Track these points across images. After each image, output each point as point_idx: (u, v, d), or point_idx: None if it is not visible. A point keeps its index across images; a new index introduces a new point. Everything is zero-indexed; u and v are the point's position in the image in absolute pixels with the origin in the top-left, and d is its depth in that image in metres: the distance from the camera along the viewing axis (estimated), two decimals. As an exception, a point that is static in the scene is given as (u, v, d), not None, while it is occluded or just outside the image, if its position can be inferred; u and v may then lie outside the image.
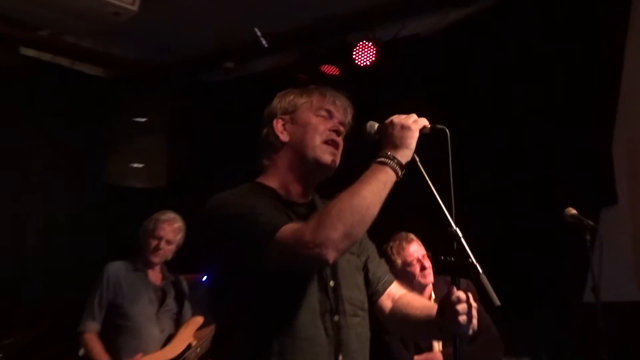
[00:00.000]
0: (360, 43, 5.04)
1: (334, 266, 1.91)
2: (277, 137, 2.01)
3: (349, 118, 2.07)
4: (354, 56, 5.04)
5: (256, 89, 5.96)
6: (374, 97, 4.80)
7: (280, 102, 2.08)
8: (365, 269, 2.09)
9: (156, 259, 4.10)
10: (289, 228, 1.72)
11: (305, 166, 1.98)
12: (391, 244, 3.55)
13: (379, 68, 5.01)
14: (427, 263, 3.47)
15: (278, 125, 2.03)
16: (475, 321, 1.76)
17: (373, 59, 5.02)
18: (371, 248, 2.15)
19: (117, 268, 4.06)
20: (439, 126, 1.86)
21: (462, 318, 1.74)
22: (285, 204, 1.95)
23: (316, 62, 5.28)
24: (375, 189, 1.73)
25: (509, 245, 4.26)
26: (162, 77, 5.99)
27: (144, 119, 5.89)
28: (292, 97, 2.07)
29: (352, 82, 4.90)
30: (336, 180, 2.01)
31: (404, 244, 3.51)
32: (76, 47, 5.57)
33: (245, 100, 5.98)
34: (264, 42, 5.16)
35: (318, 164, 1.97)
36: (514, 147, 4.39)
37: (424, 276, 3.50)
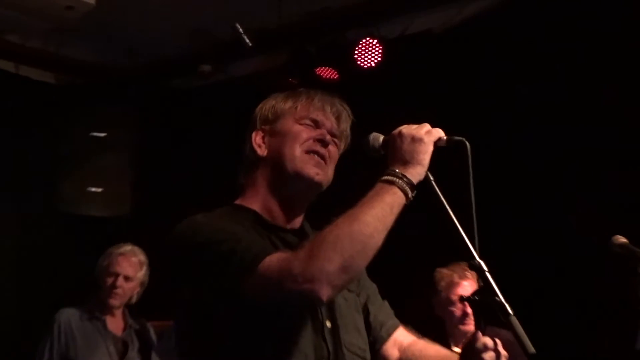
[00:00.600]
0: (363, 41, 5.06)
1: (331, 304, 1.89)
2: (254, 151, 2.03)
3: (344, 127, 2.07)
4: (355, 56, 5.06)
5: (238, 97, 6.00)
6: (379, 104, 4.83)
7: (262, 110, 2.09)
8: (366, 311, 2.07)
9: (114, 302, 4.10)
10: (275, 258, 1.70)
11: (286, 182, 1.97)
12: (444, 271, 3.54)
13: (385, 70, 5.02)
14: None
15: (257, 137, 2.04)
16: None
17: (378, 59, 5.04)
18: (371, 287, 2.14)
19: (70, 316, 4.06)
20: (457, 138, 1.85)
21: None
22: (270, 229, 1.94)
23: (310, 63, 5.30)
24: (380, 213, 1.71)
25: (543, 281, 4.25)
26: (125, 84, 6.01)
27: (103, 134, 5.90)
28: (274, 103, 2.08)
29: (354, 86, 4.90)
30: (332, 205, 1.97)
31: (456, 278, 3.50)
32: (22, 48, 5.57)
33: (225, 110, 6.00)
34: (247, 40, 5.16)
35: (299, 177, 1.96)
36: (544, 160, 4.38)
37: (465, 324, 3.49)
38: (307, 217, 2.07)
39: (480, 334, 1.74)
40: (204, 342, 1.81)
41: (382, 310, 2.12)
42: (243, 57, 5.69)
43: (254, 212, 1.96)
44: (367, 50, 5.06)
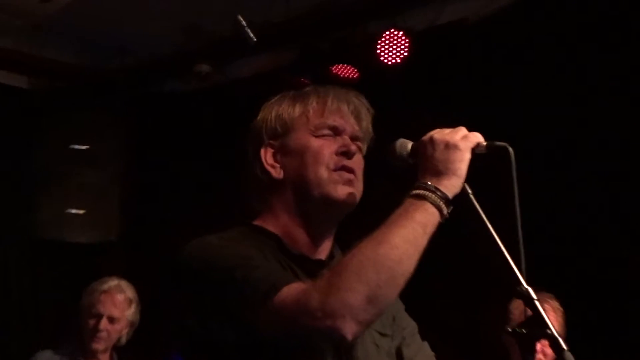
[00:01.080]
0: (387, 33, 5.04)
1: (356, 350, 1.87)
2: (267, 173, 2.01)
3: (365, 125, 2.04)
4: (378, 51, 5.05)
5: (241, 102, 6.01)
6: (406, 105, 4.81)
7: (267, 119, 2.05)
8: (400, 356, 2.05)
9: (98, 346, 4.10)
10: (293, 289, 1.69)
11: (313, 208, 1.96)
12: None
13: (412, 66, 5.00)
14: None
15: (267, 156, 2.02)
16: None
17: (405, 54, 5.03)
18: (409, 327, 2.11)
19: (49, 359, 4.06)
20: (499, 143, 1.83)
21: None
22: (294, 259, 1.93)
23: (325, 61, 5.31)
24: (410, 234, 1.69)
25: (601, 308, 4.19)
26: (110, 88, 6.03)
27: (85, 147, 5.91)
28: (280, 110, 2.04)
29: (377, 86, 4.88)
30: (354, 224, 1.97)
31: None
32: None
33: (226, 116, 6.01)
34: (251, 35, 5.15)
35: (329, 202, 1.94)
36: (598, 166, 4.33)
37: None
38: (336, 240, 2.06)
39: None
40: None
41: (420, 353, 2.09)
42: (246, 56, 5.70)
43: (276, 237, 1.96)
44: (391, 44, 5.05)
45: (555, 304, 3.58)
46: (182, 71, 5.94)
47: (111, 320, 4.10)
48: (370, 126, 2.06)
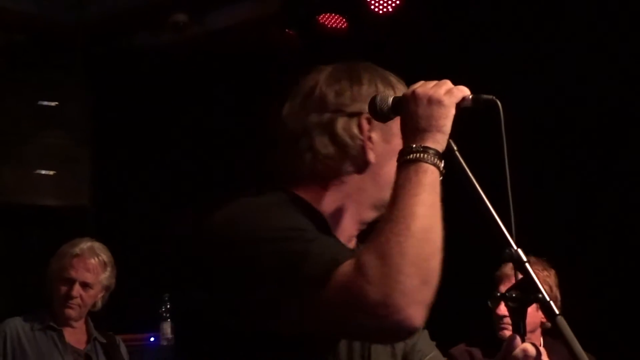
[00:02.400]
0: (377, -20, 5.08)
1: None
2: (362, 150, 1.94)
3: None
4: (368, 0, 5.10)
5: (221, 55, 6.01)
6: (397, 59, 4.80)
7: (372, 85, 1.98)
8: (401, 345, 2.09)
9: (71, 313, 4.12)
10: (347, 270, 1.64)
11: (369, 204, 1.96)
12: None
13: (404, 16, 5.04)
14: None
15: (372, 133, 1.95)
16: None
17: (396, 2, 5.07)
18: None
19: (17, 326, 4.09)
20: (486, 96, 1.84)
21: None
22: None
23: (311, 9, 5.33)
24: (427, 199, 1.69)
25: (597, 272, 4.31)
26: (79, 41, 6.02)
27: (53, 103, 5.92)
28: (380, 84, 1.98)
29: (366, 37, 4.93)
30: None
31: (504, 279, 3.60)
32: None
33: (203, 72, 6.01)
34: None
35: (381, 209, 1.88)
36: (601, 130, 4.42)
37: (502, 328, 3.67)
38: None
39: (518, 339, 1.76)
40: None
41: (422, 339, 2.13)
42: (226, 4, 5.70)
43: (321, 216, 1.91)
44: (383, -8, 5.06)
45: (546, 265, 3.69)
46: (155, 22, 5.90)
47: (84, 285, 4.10)
48: None
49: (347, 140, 1.92)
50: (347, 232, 1.95)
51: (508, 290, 1.75)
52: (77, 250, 4.16)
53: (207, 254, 1.79)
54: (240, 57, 5.60)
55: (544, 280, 3.58)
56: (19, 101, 5.87)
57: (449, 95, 1.82)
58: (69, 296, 4.09)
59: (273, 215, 1.78)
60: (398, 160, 1.77)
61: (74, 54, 6.03)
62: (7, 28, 5.95)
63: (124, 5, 5.90)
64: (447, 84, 1.85)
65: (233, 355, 1.78)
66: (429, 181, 1.73)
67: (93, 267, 4.15)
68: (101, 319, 4.34)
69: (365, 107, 1.91)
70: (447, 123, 1.80)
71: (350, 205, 1.95)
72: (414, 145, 1.77)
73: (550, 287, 3.63)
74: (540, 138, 4.41)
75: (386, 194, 1.78)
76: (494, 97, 1.84)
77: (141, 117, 6.12)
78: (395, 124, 1.87)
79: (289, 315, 1.68)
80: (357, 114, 1.94)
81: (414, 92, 1.83)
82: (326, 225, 1.88)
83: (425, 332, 2.15)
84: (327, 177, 1.94)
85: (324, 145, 1.93)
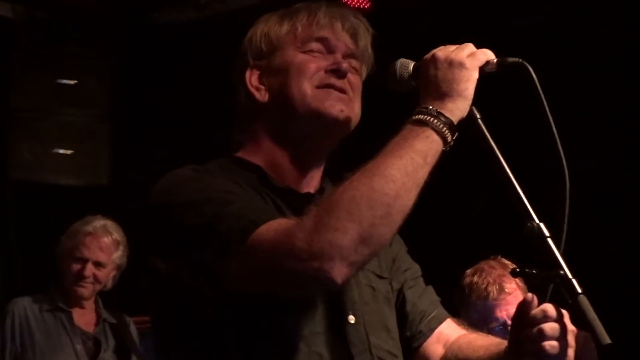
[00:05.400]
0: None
1: (351, 292, 1.86)
2: (251, 95, 1.97)
3: (363, 44, 1.99)
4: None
5: (242, 34, 5.95)
6: (424, 39, 4.69)
7: (252, 40, 2.03)
8: (401, 299, 2.04)
9: (83, 291, 4.10)
10: (274, 226, 1.66)
11: (299, 127, 1.92)
12: (474, 278, 3.44)
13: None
14: None
15: (252, 78, 1.99)
16: (572, 353, 1.67)
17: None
18: (411, 269, 2.10)
19: (26, 307, 4.07)
20: (512, 59, 1.77)
21: (550, 345, 1.64)
22: (277, 191, 1.90)
23: (342, 4, 5.25)
24: (409, 165, 1.65)
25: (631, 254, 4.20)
26: (100, 18, 5.96)
27: (72, 81, 5.86)
28: (266, 28, 2.01)
29: (391, 17, 4.82)
30: (347, 160, 1.90)
31: (494, 291, 3.39)
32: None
33: (225, 51, 5.89)
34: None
35: (317, 117, 1.89)
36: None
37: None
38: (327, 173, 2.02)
39: (534, 298, 1.68)
40: (182, 338, 1.78)
41: (424, 297, 2.08)
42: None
43: (258, 169, 1.92)
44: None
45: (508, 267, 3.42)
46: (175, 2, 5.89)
47: (97, 265, 4.09)
48: (369, 47, 2.00)
49: (244, 98, 1.97)
50: (288, 171, 1.95)
51: (528, 267, 1.68)
52: (89, 228, 4.16)
53: (145, 221, 1.83)
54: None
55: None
56: (38, 79, 5.83)
57: (471, 58, 1.78)
58: (81, 275, 4.09)
59: (199, 180, 1.80)
60: (408, 119, 1.73)
61: (94, 31, 5.97)
62: (28, 4, 5.90)
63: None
64: (470, 46, 1.80)
65: (208, 320, 1.76)
66: (424, 148, 1.68)
67: (106, 245, 4.15)
68: (112, 299, 4.34)
69: (250, 58, 1.99)
70: (470, 87, 1.75)
71: (274, 146, 1.95)
72: (430, 107, 1.73)
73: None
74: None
75: (295, 101, 1.88)
76: (521, 60, 1.77)
77: (162, 95, 6.07)
78: (275, 58, 1.94)
79: (217, 274, 1.67)
80: (246, 67, 1.99)
81: (433, 55, 1.80)
82: (264, 175, 1.91)
83: (430, 288, 2.12)
84: (252, 136, 1.97)
85: (237, 107, 2.01)
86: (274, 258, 1.62)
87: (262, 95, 1.95)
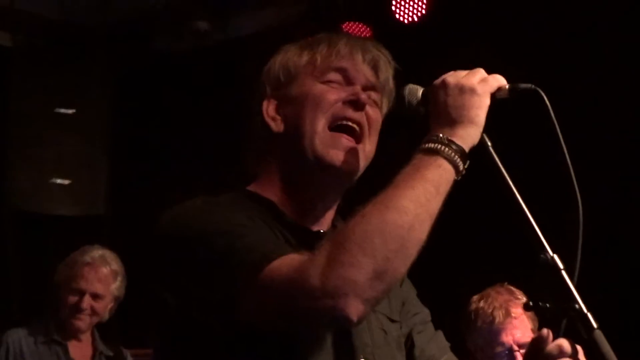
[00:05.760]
0: (402, -12, 5.03)
1: (363, 335, 1.83)
2: (267, 126, 1.92)
3: (384, 77, 1.94)
4: (393, 8, 5.05)
5: (242, 62, 5.97)
6: (423, 68, 4.70)
7: (271, 69, 1.98)
8: (410, 344, 2.00)
9: (80, 325, 4.05)
10: (286, 262, 1.61)
11: (306, 170, 1.88)
12: (481, 304, 3.41)
13: (430, 25, 4.98)
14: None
15: (269, 108, 1.93)
16: None
17: (422, 11, 5.01)
18: (421, 313, 2.06)
19: (21, 338, 4.01)
20: (525, 85, 1.74)
21: None
22: (289, 227, 1.86)
23: (335, 17, 5.27)
24: (422, 195, 1.61)
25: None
26: (98, 47, 5.97)
27: (70, 110, 5.85)
28: (286, 58, 1.96)
29: (391, 46, 4.82)
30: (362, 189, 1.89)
31: (499, 316, 3.35)
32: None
33: (225, 79, 5.96)
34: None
35: (321, 165, 1.86)
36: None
37: None
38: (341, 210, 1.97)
39: (548, 333, 1.64)
40: None
41: (433, 342, 2.04)
42: (249, 10, 5.66)
43: (270, 203, 1.88)
44: (407, 1, 5.03)
45: (519, 294, 3.40)
46: (176, 28, 5.88)
47: (95, 296, 4.04)
48: (391, 80, 1.95)
49: (260, 128, 1.93)
50: (300, 208, 1.91)
51: (541, 300, 1.65)
52: (87, 258, 4.12)
53: (154, 252, 1.79)
54: (262, 65, 5.51)
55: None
56: (36, 107, 5.83)
57: (482, 83, 1.75)
58: (78, 308, 4.03)
59: (211, 212, 1.76)
60: (418, 147, 1.70)
61: (94, 59, 5.99)
62: (28, 32, 5.94)
63: (146, 11, 5.87)
64: (481, 72, 1.77)
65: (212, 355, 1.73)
66: (436, 178, 1.65)
67: (104, 276, 4.10)
68: (109, 331, 4.30)
69: (267, 88, 1.95)
70: (481, 114, 1.72)
71: (287, 182, 1.91)
72: (440, 135, 1.69)
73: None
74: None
75: (305, 140, 1.84)
76: (534, 86, 1.74)
77: (160, 124, 6.07)
78: (293, 88, 1.90)
79: (228, 309, 1.63)
80: (263, 97, 1.94)
81: (444, 80, 1.77)
82: (277, 210, 1.87)
83: (440, 333, 2.08)
84: (266, 167, 1.94)
85: (252, 138, 1.97)
86: (287, 295, 1.58)
87: (277, 126, 1.91)
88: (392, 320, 1.94)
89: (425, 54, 4.91)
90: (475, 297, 3.44)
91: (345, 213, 1.90)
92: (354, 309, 1.54)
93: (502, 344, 3.31)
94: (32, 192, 5.72)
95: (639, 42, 4.36)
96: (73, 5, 5.75)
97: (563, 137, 1.67)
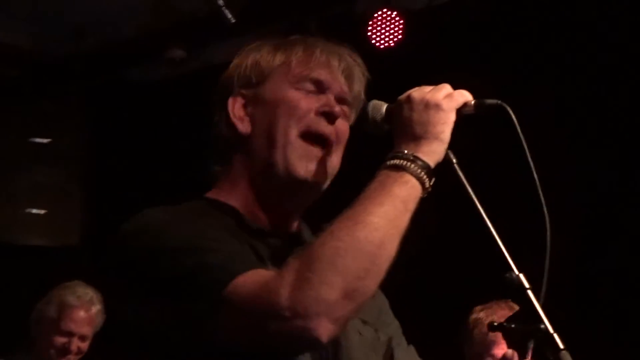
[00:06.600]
0: (379, 14, 5.02)
1: (338, 339, 1.77)
2: (232, 126, 1.87)
3: (357, 89, 1.92)
4: (369, 34, 5.03)
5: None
6: (400, 94, 4.74)
7: (240, 66, 1.93)
8: (389, 355, 1.95)
9: None
10: (253, 278, 1.57)
11: (273, 178, 1.84)
12: (481, 314, 3.50)
13: (407, 51, 4.96)
14: None
15: (235, 107, 1.88)
16: None
17: (399, 37, 5.00)
18: (394, 324, 2.03)
19: None
20: (491, 101, 1.73)
21: None
22: (253, 233, 1.81)
23: (340, 43, 5.27)
24: (391, 212, 1.59)
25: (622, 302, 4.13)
26: (73, 76, 5.95)
27: (45, 140, 5.83)
28: (258, 57, 1.91)
29: (368, 71, 4.85)
30: (328, 204, 1.85)
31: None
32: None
33: (201, 108, 5.92)
34: (229, 15, 5.10)
35: (290, 176, 1.82)
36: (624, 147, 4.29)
37: None
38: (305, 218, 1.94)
39: (516, 356, 1.61)
40: None
41: (409, 356, 2.00)
42: (225, 38, 5.55)
43: (233, 210, 1.83)
44: (384, 26, 5.02)
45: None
46: (151, 56, 5.86)
47: (82, 338, 4.01)
48: (362, 92, 1.92)
49: (224, 127, 1.88)
50: (264, 215, 1.85)
51: (507, 321, 1.62)
52: (75, 301, 4.05)
53: (117, 265, 1.73)
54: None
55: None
56: (10, 137, 5.85)
57: (448, 99, 1.73)
58: (67, 350, 3.99)
59: (174, 225, 1.70)
60: (384, 162, 1.67)
61: (68, 89, 6.01)
62: (1, 62, 5.90)
63: (120, 40, 5.85)
64: (447, 87, 1.76)
65: None
66: (403, 194, 1.62)
67: (92, 319, 4.05)
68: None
69: (235, 85, 1.89)
70: (446, 130, 1.70)
71: (251, 187, 1.86)
72: (406, 152, 1.67)
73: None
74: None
75: (276, 149, 1.79)
76: (499, 102, 1.73)
77: (137, 153, 6.05)
78: (264, 89, 1.85)
79: (201, 329, 1.58)
80: (229, 94, 1.91)
81: (409, 96, 1.75)
82: (240, 217, 1.82)
83: (412, 347, 2.03)
84: (229, 170, 1.88)
85: (215, 139, 1.92)
86: (254, 315, 1.54)
87: (244, 127, 1.85)
88: (365, 322, 1.89)
89: (402, 78, 4.93)
90: (477, 307, 3.53)
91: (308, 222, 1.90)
92: (324, 329, 1.51)
93: (493, 356, 3.37)
94: (5, 223, 5.73)
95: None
96: (47, 35, 5.74)
97: (530, 153, 1.65)
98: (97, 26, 5.63)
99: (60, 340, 3.97)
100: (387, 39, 5.01)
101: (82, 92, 5.98)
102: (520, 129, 1.67)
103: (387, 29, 5.00)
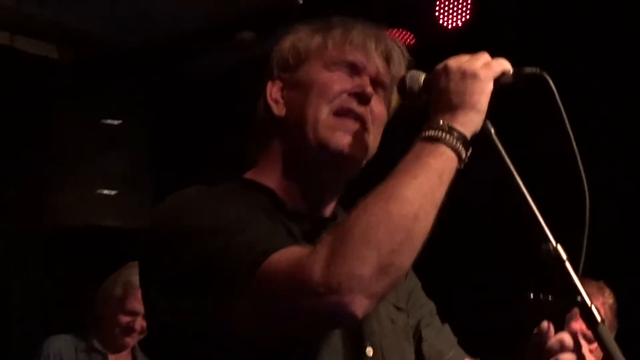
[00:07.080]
0: (446, -5, 5.01)
1: (370, 324, 1.79)
2: (269, 109, 1.90)
3: (396, 72, 1.90)
4: (436, 14, 5.02)
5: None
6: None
7: (280, 51, 1.96)
8: (418, 337, 1.96)
9: (130, 342, 4.12)
10: (286, 255, 1.56)
11: (309, 156, 1.84)
12: None
13: (475, 31, 4.93)
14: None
15: (273, 90, 1.91)
16: None
17: (466, 16, 4.98)
18: (427, 306, 2.03)
19: (63, 345, 4.05)
20: (529, 70, 1.70)
21: None
22: (289, 215, 1.82)
23: (380, 25, 5.24)
24: (425, 184, 1.57)
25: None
26: (147, 60, 6.01)
27: (117, 122, 5.92)
28: (296, 39, 1.93)
29: (435, 53, 4.81)
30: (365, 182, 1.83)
31: None
32: (15, 13, 5.58)
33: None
34: (297, -2, 5.11)
35: (325, 150, 1.82)
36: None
37: None
38: (342, 201, 1.94)
39: (552, 328, 1.60)
40: None
41: (441, 336, 2.01)
42: (294, 20, 5.60)
43: (269, 191, 1.85)
44: (451, 6, 5.01)
45: (605, 291, 3.31)
46: (220, 43, 5.86)
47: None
48: (404, 75, 1.87)
49: (262, 111, 1.90)
50: (301, 196, 1.85)
51: (543, 294, 1.60)
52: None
53: (148, 249, 1.74)
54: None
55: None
56: (82, 120, 5.93)
57: (485, 68, 1.69)
58: (131, 328, 4.09)
59: (207, 205, 1.70)
60: (419, 135, 1.65)
61: (138, 75, 6.04)
62: (74, 47, 6.00)
63: (190, 27, 5.85)
64: (485, 56, 1.73)
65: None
66: (438, 166, 1.60)
67: None
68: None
69: (275, 70, 1.92)
70: (483, 100, 1.67)
71: (287, 168, 1.86)
72: (441, 122, 1.65)
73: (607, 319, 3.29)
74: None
75: (308, 126, 1.79)
76: (539, 70, 1.70)
77: (204, 138, 6.09)
78: (300, 72, 1.86)
79: (228, 315, 1.57)
80: (269, 78, 1.93)
81: (445, 65, 1.72)
82: (276, 199, 1.82)
83: (447, 327, 2.04)
84: (266, 152, 1.89)
85: (254, 122, 1.94)
86: (287, 292, 1.53)
87: (279, 109, 1.88)
88: (399, 309, 1.90)
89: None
90: None
91: (346, 205, 1.88)
92: (359, 305, 1.50)
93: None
94: (75, 204, 5.81)
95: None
96: (118, 23, 5.79)
97: (570, 124, 1.62)
98: (166, 16, 5.67)
99: (125, 319, 4.07)
100: (454, 19, 4.98)
101: (150, 80, 6.04)
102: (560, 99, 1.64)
103: (455, 9, 4.98)
